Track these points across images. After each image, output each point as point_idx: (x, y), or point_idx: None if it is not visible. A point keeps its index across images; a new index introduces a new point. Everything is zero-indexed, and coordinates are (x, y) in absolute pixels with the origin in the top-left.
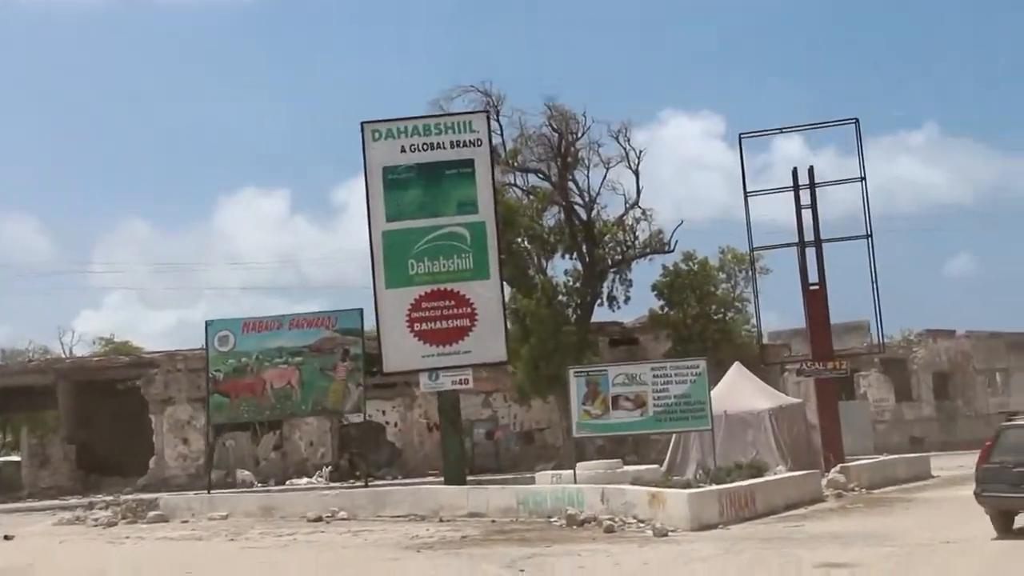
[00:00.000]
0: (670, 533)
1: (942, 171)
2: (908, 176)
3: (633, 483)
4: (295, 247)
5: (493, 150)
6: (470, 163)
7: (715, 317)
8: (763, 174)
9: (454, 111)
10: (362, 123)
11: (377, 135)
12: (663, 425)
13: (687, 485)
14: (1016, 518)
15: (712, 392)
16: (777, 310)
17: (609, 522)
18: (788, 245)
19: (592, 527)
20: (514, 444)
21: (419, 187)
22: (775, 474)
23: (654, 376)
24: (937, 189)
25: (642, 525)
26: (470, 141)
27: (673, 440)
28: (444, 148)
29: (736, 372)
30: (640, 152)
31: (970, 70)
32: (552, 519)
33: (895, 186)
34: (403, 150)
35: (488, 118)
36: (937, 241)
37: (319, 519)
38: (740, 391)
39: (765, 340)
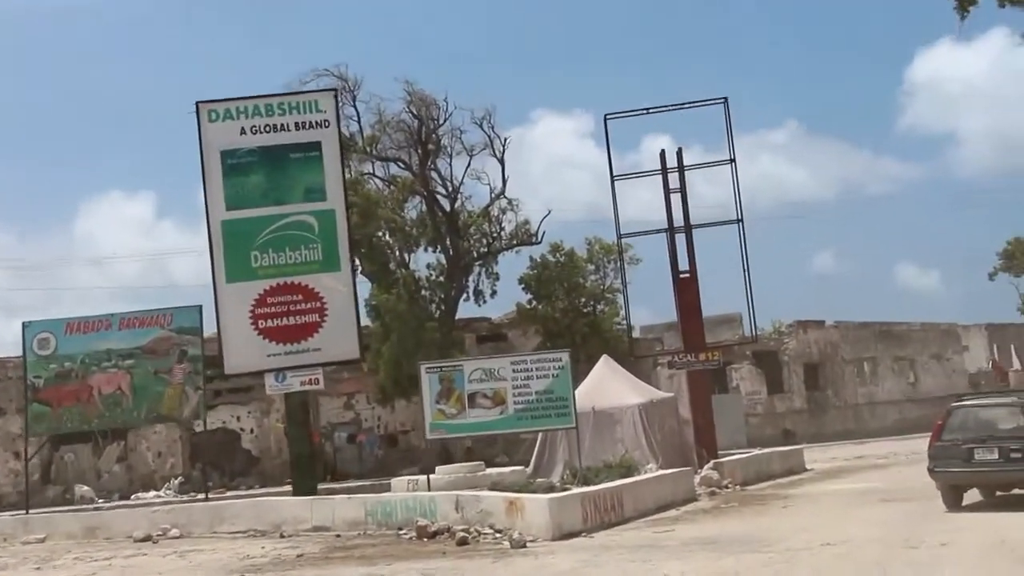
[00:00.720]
0: (528, 544)
1: (804, 168)
2: (771, 173)
3: (492, 488)
4: (162, 249)
5: (351, 136)
6: (317, 146)
7: (584, 310)
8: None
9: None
10: (197, 103)
11: (214, 116)
12: (524, 424)
13: (550, 489)
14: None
15: (579, 388)
16: (650, 305)
17: (463, 533)
18: (656, 232)
19: (444, 539)
20: (378, 448)
21: (261, 172)
22: (646, 473)
23: (514, 371)
24: (800, 186)
25: (499, 536)
26: (317, 122)
27: (539, 439)
28: (288, 130)
29: (604, 366)
30: (505, 140)
31: (830, 69)
32: (402, 531)
33: (759, 184)
34: (243, 132)
35: (336, 97)
36: (801, 237)
37: (147, 539)
38: (608, 386)
39: (637, 334)
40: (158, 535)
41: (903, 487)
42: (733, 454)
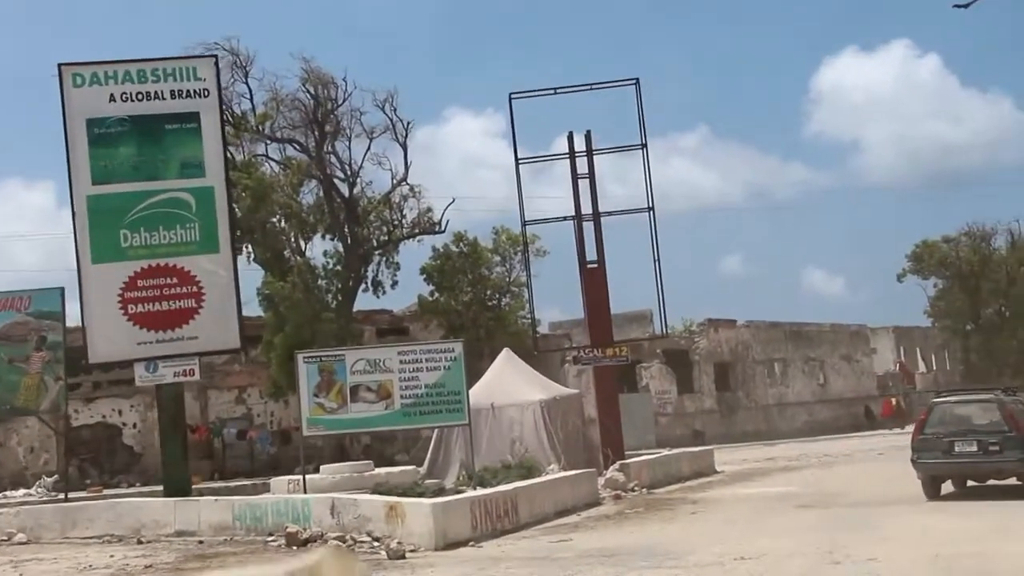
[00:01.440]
0: (408, 554)
1: (714, 172)
2: (683, 177)
3: (376, 490)
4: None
5: (243, 115)
6: (195, 117)
7: (489, 303)
8: (544, 173)
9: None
10: (59, 65)
11: (79, 80)
12: (412, 420)
13: (439, 491)
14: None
15: (478, 383)
16: (561, 302)
17: (336, 541)
18: (562, 219)
19: (315, 548)
20: (270, 445)
21: (132, 144)
22: (548, 474)
23: (402, 362)
24: (710, 189)
25: (376, 544)
26: (195, 91)
27: (435, 437)
28: (163, 98)
29: (505, 360)
30: (408, 124)
31: (739, 75)
32: (271, 538)
33: (671, 187)
34: (112, 99)
35: (217, 64)
36: (712, 239)
37: None
38: (509, 381)
39: (545, 331)
40: (3, 540)
41: (819, 491)
42: (641, 455)
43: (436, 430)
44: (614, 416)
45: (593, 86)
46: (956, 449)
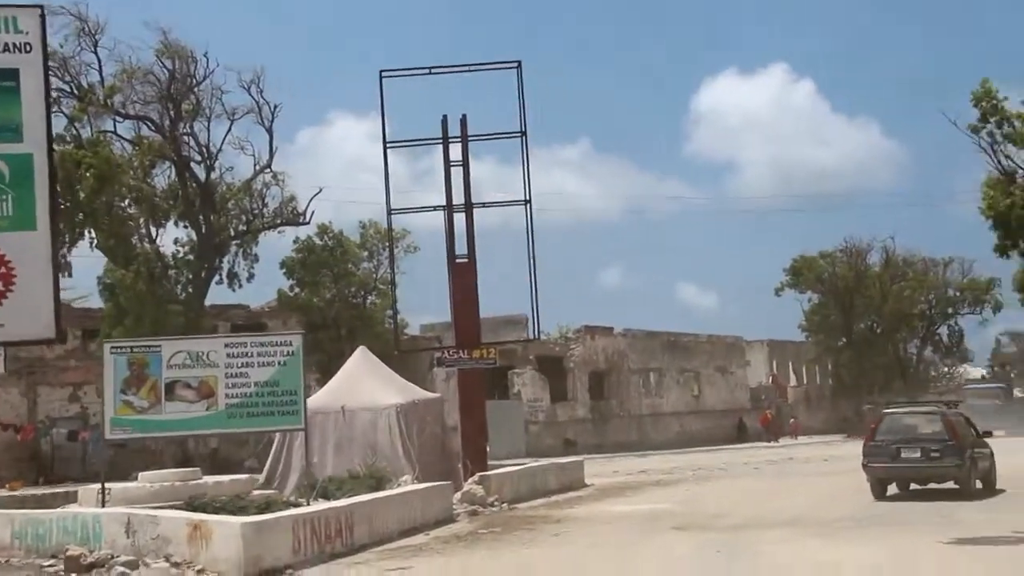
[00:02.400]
0: None
1: (595, 185)
2: (563, 189)
3: (189, 504)
4: None
5: (90, 86)
6: (13, 75)
7: (354, 301)
8: (429, 177)
9: None
10: None
11: None
12: (238, 423)
13: (266, 506)
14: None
15: (329, 383)
16: (433, 305)
17: (123, 569)
18: (433, 208)
19: (100, 575)
20: (104, 447)
21: None
22: (400, 486)
23: (229, 356)
24: (590, 202)
25: (175, 571)
26: (15, 45)
27: (276, 442)
28: None
29: (360, 359)
30: (276, 107)
31: (622, 90)
32: (51, 562)
33: (550, 200)
34: None
35: (43, 15)
36: (590, 252)
37: None
38: (362, 382)
39: (416, 332)
40: None
41: (697, 511)
42: (505, 466)
43: (278, 434)
44: (477, 423)
45: (471, 67)
46: (902, 455)
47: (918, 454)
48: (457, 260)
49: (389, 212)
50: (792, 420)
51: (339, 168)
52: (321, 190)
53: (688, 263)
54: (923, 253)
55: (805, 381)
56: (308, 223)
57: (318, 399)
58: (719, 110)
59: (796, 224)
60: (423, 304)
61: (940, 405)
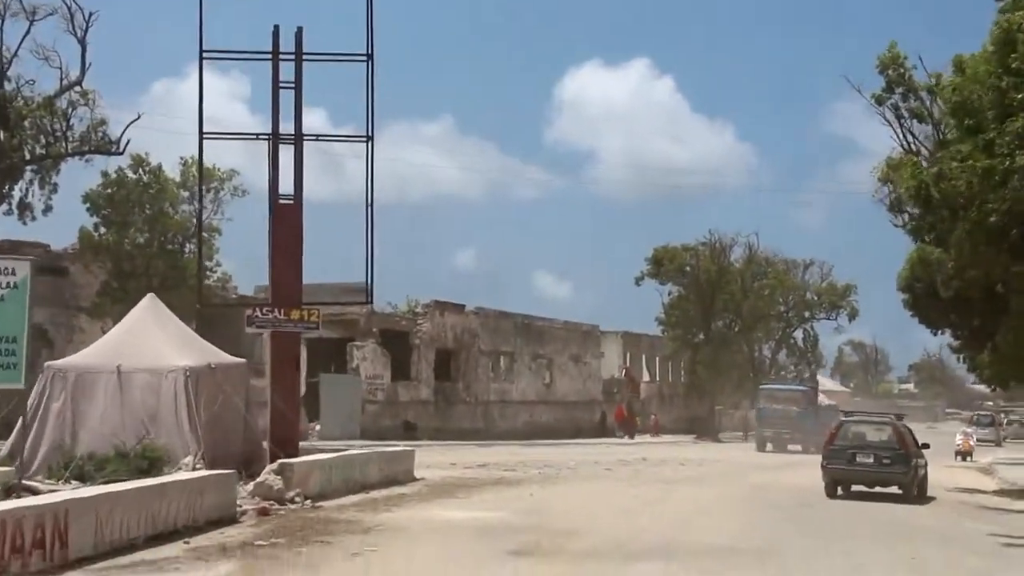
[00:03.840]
0: None
1: (455, 164)
2: (423, 164)
3: None
4: None
5: None
6: None
7: (169, 248)
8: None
9: None
10: None
11: None
12: None
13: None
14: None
15: (105, 336)
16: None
17: None
18: (254, 137)
19: None
20: None
21: None
22: (181, 469)
23: None
24: (450, 181)
25: None
26: None
27: (29, 408)
28: None
29: (148, 310)
30: (91, 15)
31: (488, 71)
32: None
33: (410, 172)
34: None
35: None
36: (447, 231)
37: None
38: (147, 338)
39: (248, 293)
40: None
41: (541, 524)
42: (319, 453)
43: (33, 398)
44: (290, 399)
45: None
46: (857, 459)
47: (871, 460)
48: (280, 201)
49: (201, 136)
50: (653, 417)
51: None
52: (140, 116)
53: (545, 250)
54: (785, 254)
55: (658, 377)
56: (121, 153)
57: (87, 355)
58: (580, 101)
59: (651, 218)
60: (259, 258)
61: (892, 416)
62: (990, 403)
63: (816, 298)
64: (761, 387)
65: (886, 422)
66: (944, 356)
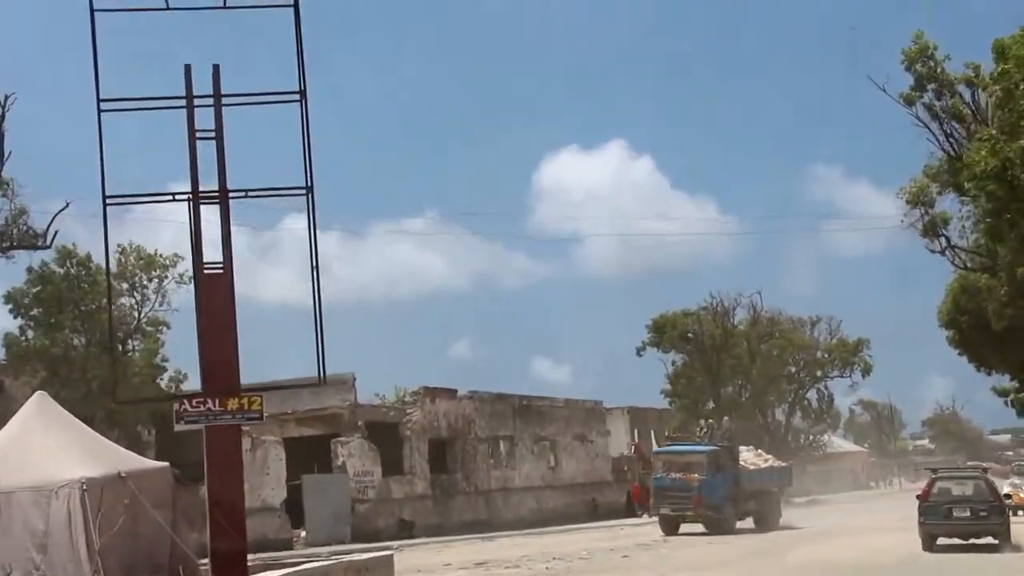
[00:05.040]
0: None
1: (441, 258)
2: (409, 261)
3: None
4: None
5: None
6: None
7: (108, 347)
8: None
9: None
10: None
11: None
12: None
13: None
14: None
15: None
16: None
17: None
18: (170, 198)
19: None
20: None
21: None
22: None
23: None
24: (437, 275)
25: None
26: None
27: None
28: None
29: (36, 411)
30: (7, 99)
31: (468, 164)
32: None
33: (396, 271)
34: None
35: None
36: (439, 325)
37: None
38: (35, 444)
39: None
40: None
41: None
42: (287, 565)
43: None
44: (234, 509)
45: (231, 7)
46: (954, 514)
47: (968, 513)
48: (206, 270)
49: (104, 199)
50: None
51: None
52: (68, 204)
53: (540, 336)
54: (788, 312)
55: None
56: (48, 246)
57: None
58: (561, 186)
59: (642, 295)
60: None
61: (981, 470)
62: (1010, 452)
63: (827, 355)
64: (655, 451)
65: (976, 476)
66: (958, 408)
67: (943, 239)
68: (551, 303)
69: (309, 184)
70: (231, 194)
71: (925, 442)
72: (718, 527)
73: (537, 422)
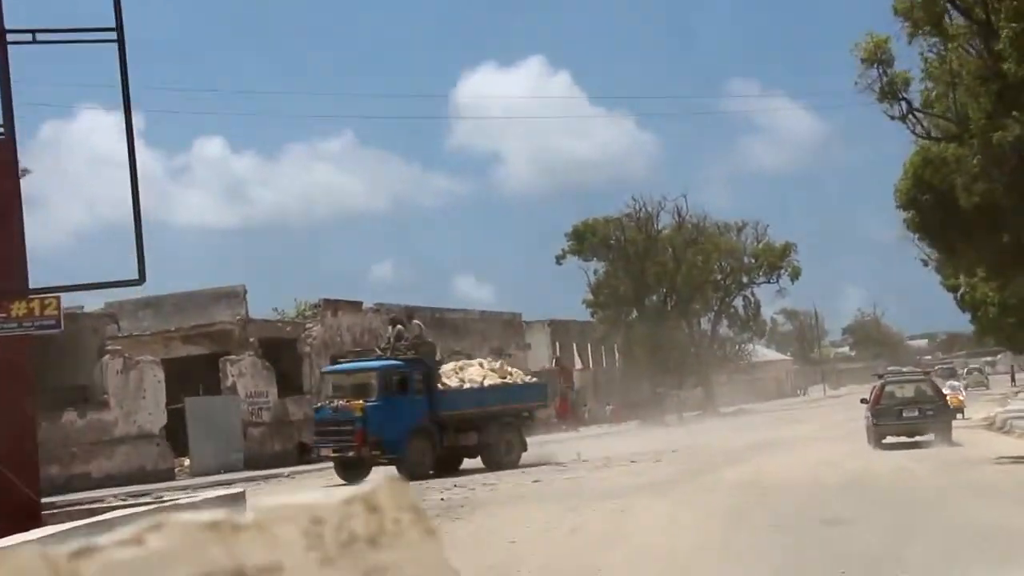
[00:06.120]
0: None
1: (359, 179)
2: (327, 182)
3: None
4: None
5: None
6: None
7: None
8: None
9: None
10: None
11: None
12: None
13: None
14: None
15: None
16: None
17: None
18: None
19: None
20: None
21: None
22: None
23: None
24: (355, 196)
25: None
26: None
27: None
28: None
29: None
30: None
31: (384, 83)
32: None
33: (315, 192)
34: None
35: None
36: (359, 247)
37: None
38: None
39: (100, 308)
40: None
41: None
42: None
43: None
44: (20, 433)
45: None
46: (904, 415)
47: (916, 413)
48: None
49: None
50: (609, 407)
51: (87, 163)
52: None
53: (462, 255)
54: (714, 217)
55: (591, 364)
56: None
57: None
58: (479, 104)
59: (562, 214)
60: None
61: (927, 373)
62: (928, 357)
63: (754, 261)
64: (322, 370)
65: (922, 379)
66: (879, 314)
67: (903, 103)
68: (472, 222)
69: (119, 23)
70: (8, 34)
71: (846, 349)
72: (404, 471)
73: (451, 336)
